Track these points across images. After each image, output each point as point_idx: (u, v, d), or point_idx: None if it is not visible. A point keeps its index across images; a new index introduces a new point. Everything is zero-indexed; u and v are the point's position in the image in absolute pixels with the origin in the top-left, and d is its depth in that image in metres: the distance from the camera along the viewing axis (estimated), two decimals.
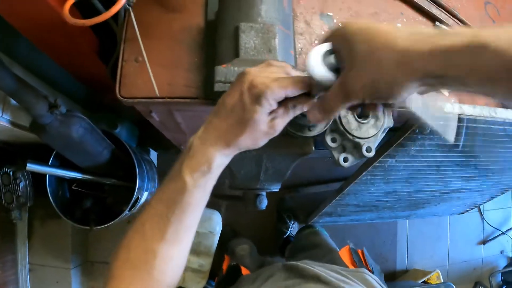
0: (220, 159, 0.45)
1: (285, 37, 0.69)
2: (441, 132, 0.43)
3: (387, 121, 0.56)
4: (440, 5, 1.00)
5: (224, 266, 1.05)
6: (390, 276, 1.83)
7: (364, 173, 1.09)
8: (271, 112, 0.45)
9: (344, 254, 0.91)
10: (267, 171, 0.60)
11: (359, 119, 0.55)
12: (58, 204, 1.22)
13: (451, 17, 1.01)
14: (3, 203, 1.17)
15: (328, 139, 0.55)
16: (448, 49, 0.30)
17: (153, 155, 1.65)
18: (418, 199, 1.44)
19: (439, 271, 1.61)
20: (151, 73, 0.73)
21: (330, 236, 1.76)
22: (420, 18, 0.98)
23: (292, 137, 0.54)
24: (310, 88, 0.43)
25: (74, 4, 0.62)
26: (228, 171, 0.61)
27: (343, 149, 0.56)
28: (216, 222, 1.35)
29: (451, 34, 0.31)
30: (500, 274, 1.89)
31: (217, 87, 0.57)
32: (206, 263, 1.34)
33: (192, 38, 0.80)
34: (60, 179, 1.28)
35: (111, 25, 0.80)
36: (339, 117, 0.54)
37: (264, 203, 0.64)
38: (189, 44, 0.80)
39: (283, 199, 1.74)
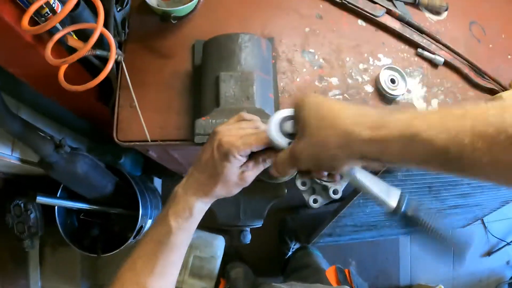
0: (200, 206, 0.52)
1: (263, 82, 0.74)
2: (383, 198, 0.47)
3: None
4: (421, 32, 1.03)
5: None
6: None
7: (355, 197, 1.12)
8: (242, 165, 0.50)
9: (330, 273, 0.95)
10: (246, 212, 0.65)
11: None
12: (67, 233, 1.29)
13: (434, 42, 1.03)
14: (15, 233, 1.25)
15: (298, 183, 0.59)
16: (383, 138, 0.34)
17: (158, 182, 1.71)
18: None
19: (442, 286, 1.61)
20: (142, 119, 0.79)
21: (333, 255, 1.79)
22: (402, 46, 1.01)
23: (265, 182, 0.59)
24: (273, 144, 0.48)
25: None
26: (211, 213, 0.66)
27: (313, 191, 0.60)
28: (218, 247, 1.40)
29: (388, 124, 0.34)
30: (507, 285, 1.87)
31: (197, 139, 0.63)
32: (209, 286, 1.39)
33: (181, 83, 0.86)
34: (68, 210, 1.35)
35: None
36: None
37: (247, 238, 0.69)
38: (179, 89, 0.86)
39: (284, 221, 1.78)
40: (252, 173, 0.52)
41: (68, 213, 1.37)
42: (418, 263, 1.86)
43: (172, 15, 0.83)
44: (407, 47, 1.01)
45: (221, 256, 1.44)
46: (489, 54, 1.05)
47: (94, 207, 1.25)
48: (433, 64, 1.00)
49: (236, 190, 0.53)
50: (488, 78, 1.01)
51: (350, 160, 0.38)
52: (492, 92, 1.00)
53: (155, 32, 0.91)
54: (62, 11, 0.50)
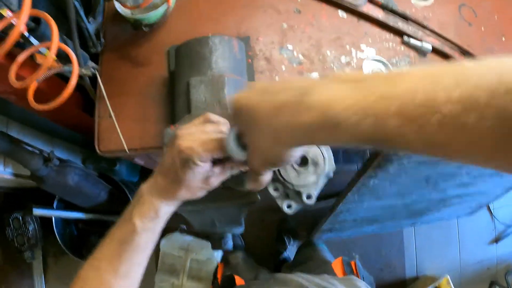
0: (166, 208, 0.51)
1: (236, 84, 0.72)
2: None
3: (328, 167, 0.58)
4: (407, 18, 0.99)
5: (219, 275, 1.08)
6: (400, 285, 1.81)
7: (349, 194, 1.10)
8: (209, 170, 0.49)
9: (336, 265, 0.93)
10: (220, 220, 0.64)
11: (297, 168, 0.57)
12: (66, 243, 1.31)
13: (421, 28, 0.99)
14: (16, 245, 1.27)
15: (270, 189, 0.58)
16: (306, 128, 0.31)
17: None
18: (417, 209, 1.42)
19: (448, 276, 1.57)
20: (118, 129, 0.78)
21: (336, 249, 1.76)
22: (386, 35, 0.97)
23: (235, 190, 0.58)
24: None
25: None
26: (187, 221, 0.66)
27: (287, 196, 0.59)
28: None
29: (307, 109, 0.31)
30: None
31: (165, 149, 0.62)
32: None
33: (157, 91, 0.85)
34: (66, 219, 1.37)
35: (84, 86, 0.86)
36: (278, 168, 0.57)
37: (229, 244, 0.68)
38: (155, 97, 0.85)
39: (285, 220, 1.75)
40: (217, 179, 0.51)
41: (66, 223, 1.38)
42: (423, 255, 1.83)
43: (143, 22, 0.82)
44: (392, 35, 0.97)
45: (220, 257, 1.44)
46: (481, 37, 1.01)
47: (90, 216, 1.26)
48: (421, 52, 0.96)
49: (201, 193, 0.52)
50: None
51: (291, 149, 0.36)
52: None
53: (130, 41, 0.90)
54: (12, 33, 0.49)
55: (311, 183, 0.57)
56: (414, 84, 0.25)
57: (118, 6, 0.86)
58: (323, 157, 0.58)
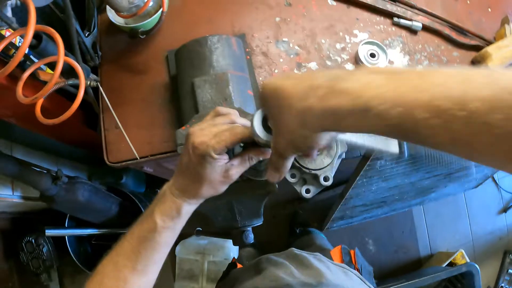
0: (188, 207, 0.51)
1: (239, 80, 0.73)
2: (384, 148, 0.46)
3: (340, 148, 0.59)
4: (395, 0, 1.01)
5: None
6: (415, 264, 1.82)
7: (358, 178, 1.11)
8: (227, 163, 0.49)
9: (335, 253, 0.93)
10: (241, 213, 0.65)
11: None
12: (82, 260, 1.30)
13: (409, 8, 1.01)
14: (31, 269, 1.27)
15: (287, 176, 0.58)
16: (335, 111, 0.31)
17: None
18: (424, 186, 1.44)
19: (462, 251, 1.59)
20: (128, 139, 0.79)
21: (349, 237, 1.78)
22: (377, 18, 0.98)
23: (254, 181, 0.59)
24: (251, 138, 0.47)
25: None
26: (209, 218, 0.66)
27: (304, 182, 0.60)
28: (230, 249, 1.41)
29: (339, 93, 0.31)
30: None
31: (180, 149, 0.62)
32: None
33: (161, 96, 0.86)
34: (79, 237, 1.36)
35: (87, 99, 0.87)
36: None
37: (250, 238, 0.68)
38: (159, 102, 0.85)
39: (296, 213, 1.76)
40: (238, 171, 0.51)
41: (80, 240, 1.38)
42: (435, 232, 1.85)
43: (139, 30, 0.82)
44: (382, 18, 0.99)
45: (236, 258, 1.45)
46: (468, 10, 1.03)
47: (103, 230, 1.26)
48: (412, 31, 0.98)
49: (223, 188, 0.52)
50: (471, 35, 0.99)
51: (318, 135, 0.36)
52: (477, 48, 0.97)
53: (127, 50, 0.91)
54: (18, 53, 0.49)
55: (326, 165, 0.58)
56: (446, 80, 0.26)
57: (111, 17, 0.87)
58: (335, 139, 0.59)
